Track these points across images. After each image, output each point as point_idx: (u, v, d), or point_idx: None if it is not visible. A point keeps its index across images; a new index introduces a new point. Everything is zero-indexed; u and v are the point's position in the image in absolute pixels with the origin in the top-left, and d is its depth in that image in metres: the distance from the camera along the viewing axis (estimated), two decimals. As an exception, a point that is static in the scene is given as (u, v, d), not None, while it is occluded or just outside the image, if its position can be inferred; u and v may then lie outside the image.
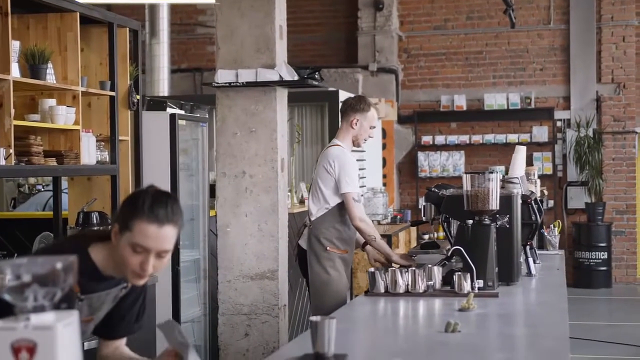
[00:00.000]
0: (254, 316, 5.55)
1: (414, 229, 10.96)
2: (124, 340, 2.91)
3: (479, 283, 4.18)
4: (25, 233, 6.15)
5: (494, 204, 4.29)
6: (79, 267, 2.50)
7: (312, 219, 5.18)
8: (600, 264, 11.97)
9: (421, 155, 12.66)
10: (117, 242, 2.53)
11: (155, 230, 2.48)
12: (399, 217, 10.73)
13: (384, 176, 12.08)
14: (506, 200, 4.43)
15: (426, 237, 11.93)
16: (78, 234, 2.75)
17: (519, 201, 4.57)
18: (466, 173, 4.36)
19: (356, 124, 5.17)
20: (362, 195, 5.21)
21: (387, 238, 8.85)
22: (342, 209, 5.13)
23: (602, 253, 11.97)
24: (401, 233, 9.64)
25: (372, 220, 9.96)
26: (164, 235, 2.49)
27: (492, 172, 4.33)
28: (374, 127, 5.26)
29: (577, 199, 12.31)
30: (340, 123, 5.43)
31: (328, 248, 5.09)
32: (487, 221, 4.30)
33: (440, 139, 12.60)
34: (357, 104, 5.21)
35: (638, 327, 9.62)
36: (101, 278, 2.63)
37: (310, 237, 5.17)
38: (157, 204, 2.51)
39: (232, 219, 5.55)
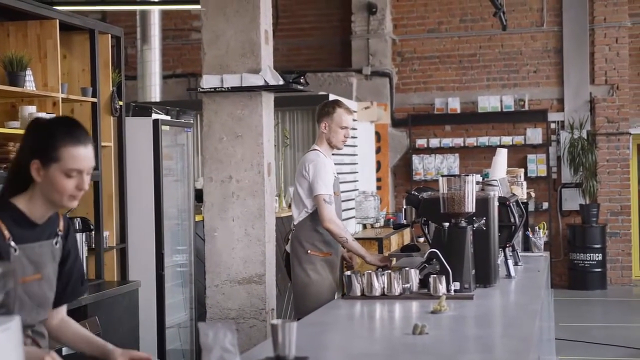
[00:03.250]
0: (241, 320, 5.56)
1: (407, 232, 10.97)
2: (64, 310, 2.91)
3: (455, 285, 4.18)
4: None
5: (470, 206, 4.29)
6: (7, 217, 2.59)
7: (295, 223, 5.29)
8: (595, 265, 11.96)
9: (416, 159, 12.67)
10: (44, 176, 2.60)
11: (83, 152, 2.62)
12: (392, 220, 10.74)
13: (379, 179, 12.10)
14: (483, 203, 4.44)
15: (421, 240, 11.93)
16: None
17: (496, 203, 4.58)
18: (442, 176, 4.38)
19: (325, 127, 5.27)
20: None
21: (378, 241, 8.87)
22: None
23: (597, 254, 11.96)
24: (393, 236, 9.64)
25: (364, 224, 10.03)
26: (90, 154, 2.65)
27: (467, 175, 4.34)
28: (346, 128, 5.28)
29: (572, 200, 12.31)
30: None
31: (309, 251, 5.17)
32: (463, 224, 4.30)
33: (434, 142, 12.61)
34: (323, 109, 5.31)
35: (633, 329, 9.61)
36: (30, 224, 2.66)
37: (292, 240, 5.26)
38: (73, 128, 2.65)
39: (219, 224, 5.56)
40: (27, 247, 2.64)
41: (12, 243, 2.59)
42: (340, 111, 5.26)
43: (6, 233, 2.58)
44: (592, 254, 11.94)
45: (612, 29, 12.30)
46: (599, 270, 11.99)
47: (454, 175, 4.36)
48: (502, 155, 5.36)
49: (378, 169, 12.10)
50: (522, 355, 2.88)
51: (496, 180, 5.05)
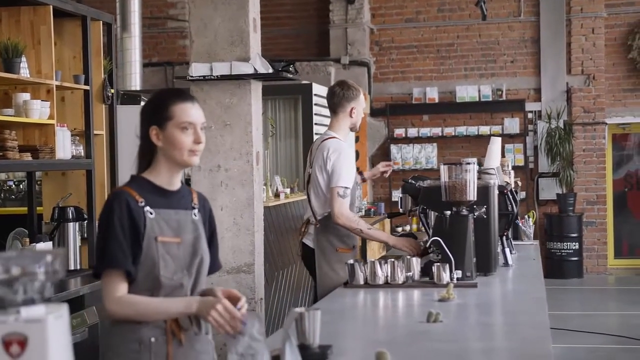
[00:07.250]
0: (230, 310, 5.53)
1: (387, 222, 11.00)
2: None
3: (458, 274, 4.19)
4: (-1, 229, 6.08)
5: (472, 194, 4.31)
6: (136, 186, 2.77)
7: (319, 217, 4.92)
8: (571, 254, 12.08)
9: (394, 148, 12.69)
10: (163, 138, 2.78)
11: (191, 106, 2.80)
12: (372, 209, 10.77)
13: (357, 169, 12.08)
14: (483, 191, 4.45)
15: (399, 229, 11.98)
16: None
17: (496, 192, 4.60)
18: (444, 164, 4.38)
19: (353, 112, 4.95)
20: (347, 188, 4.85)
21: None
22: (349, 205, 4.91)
23: (574, 243, 12.08)
24: (375, 226, 9.66)
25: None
26: (200, 111, 2.83)
27: (469, 163, 4.34)
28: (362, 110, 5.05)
29: (549, 190, 12.42)
30: (330, 115, 5.11)
31: (338, 249, 4.89)
32: (464, 212, 4.32)
33: (412, 132, 12.65)
34: (349, 92, 4.94)
35: (609, 316, 9.73)
36: (161, 191, 2.80)
37: (318, 236, 4.91)
38: (178, 91, 2.89)
39: (208, 213, 5.52)
40: (163, 212, 2.78)
41: (147, 208, 2.75)
42: (361, 93, 5.00)
43: (139, 198, 2.75)
44: (568, 243, 12.06)
45: (588, 20, 12.40)
46: (576, 259, 12.11)
47: (456, 164, 4.36)
48: (496, 144, 5.37)
49: (357, 158, 12.09)
50: (541, 343, 2.90)
51: (493, 168, 5.07)
